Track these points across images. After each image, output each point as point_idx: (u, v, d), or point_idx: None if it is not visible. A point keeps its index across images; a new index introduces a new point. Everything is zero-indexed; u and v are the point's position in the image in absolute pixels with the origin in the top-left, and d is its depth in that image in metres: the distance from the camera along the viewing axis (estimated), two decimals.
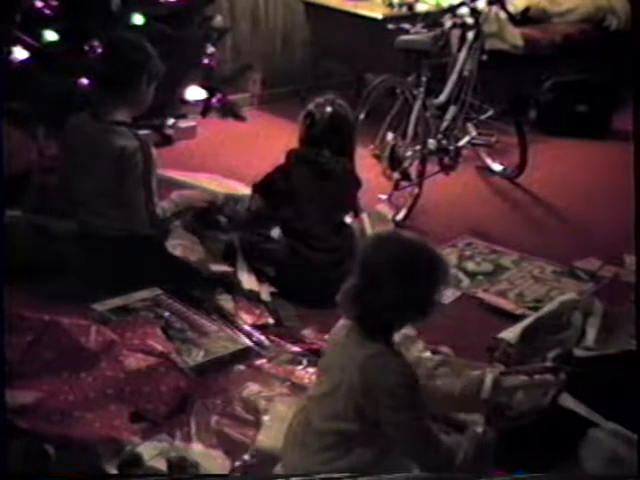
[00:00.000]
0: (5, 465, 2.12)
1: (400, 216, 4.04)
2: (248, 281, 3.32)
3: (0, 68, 3.60)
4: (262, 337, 3.05)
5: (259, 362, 2.92)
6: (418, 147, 4.08)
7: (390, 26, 4.23)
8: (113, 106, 3.30)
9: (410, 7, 5.20)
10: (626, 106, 4.67)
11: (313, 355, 2.87)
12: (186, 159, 4.47)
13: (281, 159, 3.51)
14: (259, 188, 3.51)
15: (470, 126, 4.44)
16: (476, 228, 4.05)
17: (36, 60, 3.77)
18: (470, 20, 4.27)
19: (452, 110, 4.29)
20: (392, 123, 3.93)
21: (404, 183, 4.06)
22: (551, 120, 5.38)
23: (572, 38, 5.76)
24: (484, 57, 4.38)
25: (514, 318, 3.16)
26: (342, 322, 2.17)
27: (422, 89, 4.01)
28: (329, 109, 3.44)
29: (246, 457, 2.46)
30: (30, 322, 2.76)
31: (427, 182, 4.20)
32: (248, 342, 3.01)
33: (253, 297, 3.27)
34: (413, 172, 4.10)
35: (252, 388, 2.76)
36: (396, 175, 3.97)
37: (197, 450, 2.47)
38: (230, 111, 4.44)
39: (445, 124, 4.27)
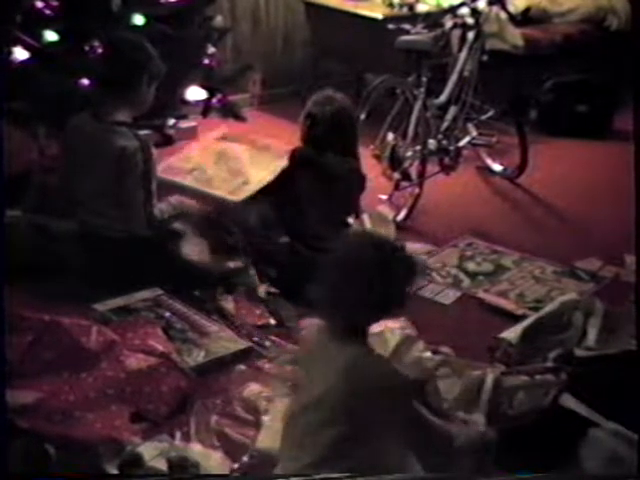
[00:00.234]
0: (5, 465, 2.12)
1: (401, 216, 4.04)
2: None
3: (0, 68, 3.60)
4: (263, 337, 3.05)
5: (260, 362, 2.92)
6: (418, 147, 4.08)
7: (390, 26, 4.23)
8: (114, 106, 3.30)
9: (410, 7, 5.20)
10: (626, 106, 4.67)
11: None
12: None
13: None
14: (266, 192, 3.49)
15: (470, 126, 4.44)
16: (477, 228, 4.05)
17: (36, 60, 3.77)
18: (470, 20, 4.27)
19: (452, 110, 4.29)
20: (392, 123, 3.93)
21: (404, 183, 4.06)
22: (551, 120, 5.38)
23: (572, 38, 5.75)
24: (484, 57, 4.38)
25: (515, 318, 3.16)
26: (307, 332, 2.16)
27: (422, 89, 4.01)
28: (329, 108, 3.42)
29: (246, 458, 2.46)
30: (30, 322, 2.77)
31: (427, 182, 4.20)
32: (249, 342, 3.01)
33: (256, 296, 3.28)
34: (413, 172, 4.10)
35: (253, 388, 2.75)
36: (396, 175, 3.98)
37: (196, 450, 2.47)
38: (230, 111, 4.43)
39: (445, 124, 4.27)
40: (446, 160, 4.32)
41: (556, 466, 2.34)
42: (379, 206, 3.92)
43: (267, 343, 3.03)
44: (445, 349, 2.88)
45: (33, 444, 2.38)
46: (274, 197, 3.48)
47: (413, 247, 3.82)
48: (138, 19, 3.98)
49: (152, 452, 2.41)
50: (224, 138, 3.83)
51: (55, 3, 3.80)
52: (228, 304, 3.23)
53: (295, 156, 3.48)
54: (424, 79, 4.01)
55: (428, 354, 2.81)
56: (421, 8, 5.21)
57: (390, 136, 3.89)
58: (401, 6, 5.20)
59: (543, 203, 4.43)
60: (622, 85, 5.18)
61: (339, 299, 2.05)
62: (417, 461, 2.12)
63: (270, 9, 5.50)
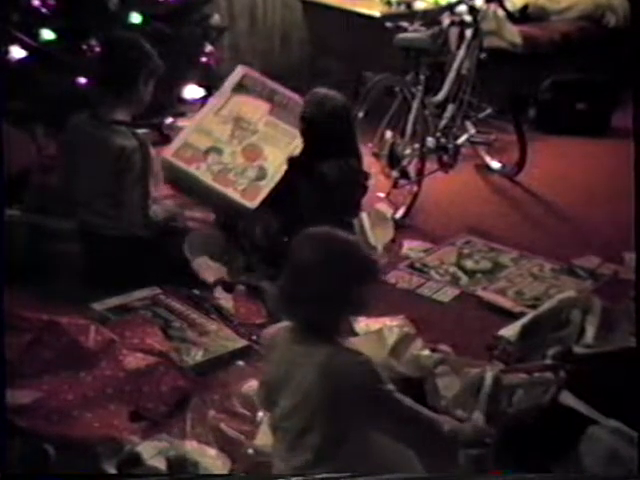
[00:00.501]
0: (5, 465, 2.12)
1: (399, 214, 4.04)
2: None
3: None
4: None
5: (258, 361, 2.91)
6: (417, 145, 4.08)
7: (388, 24, 4.22)
8: (112, 105, 3.29)
9: (408, 5, 5.20)
10: (625, 104, 4.68)
11: None
12: None
13: None
14: (267, 201, 3.49)
15: (469, 124, 4.43)
16: (475, 226, 4.05)
17: (33, 59, 3.77)
18: (468, 18, 4.27)
19: (451, 108, 4.28)
20: (391, 121, 3.92)
21: (403, 181, 4.06)
22: (550, 118, 5.38)
23: (571, 36, 5.75)
24: (483, 55, 4.37)
25: (513, 316, 3.16)
26: (272, 332, 2.15)
27: (421, 87, 4.00)
28: (322, 109, 3.35)
29: (245, 454, 2.46)
30: (29, 322, 2.77)
31: (426, 180, 4.20)
32: (247, 341, 3.01)
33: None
34: (412, 170, 4.10)
35: (252, 384, 2.74)
36: (395, 173, 3.97)
37: (190, 448, 2.46)
38: None
39: (444, 122, 4.27)
40: (445, 158, 4.31)
41: (556, 464, 2.34)
42: (378, 204, 3.92)
43: None
44: (444, 347, 2.88)
45: (32, 444, 2.38)
46: (276, 206, 3.47)
47: (411, 245, 3.83)
48: (136, 18, 3.98)
49: (151, 451, 2.40)
50: (242, 86, 3.75)
51: (52, 2, 3.80)
52: (227, 303, 3.23)
53: (291, 165, 3.47)
54: (422, 77, 4.01)
55: (427, 352, 2.81)
56: (419, 6, 5.21)
57: (388, 134, 3.89)
58: (399, 4, 5.20)
59: (542, 201, 4.43)
60: (621, 83, 5.18)
61: (292, 296, 2.03)
62: (418, 461, 2.11)
63: (267, 7, 5.50)
